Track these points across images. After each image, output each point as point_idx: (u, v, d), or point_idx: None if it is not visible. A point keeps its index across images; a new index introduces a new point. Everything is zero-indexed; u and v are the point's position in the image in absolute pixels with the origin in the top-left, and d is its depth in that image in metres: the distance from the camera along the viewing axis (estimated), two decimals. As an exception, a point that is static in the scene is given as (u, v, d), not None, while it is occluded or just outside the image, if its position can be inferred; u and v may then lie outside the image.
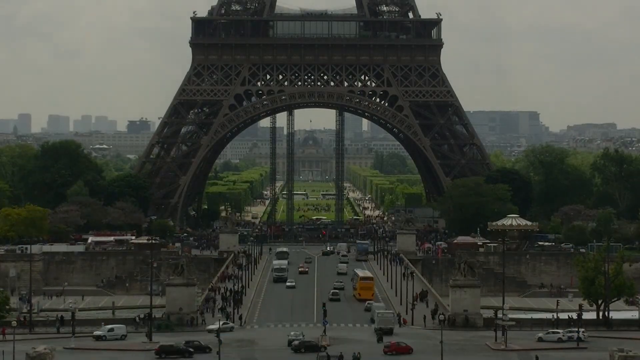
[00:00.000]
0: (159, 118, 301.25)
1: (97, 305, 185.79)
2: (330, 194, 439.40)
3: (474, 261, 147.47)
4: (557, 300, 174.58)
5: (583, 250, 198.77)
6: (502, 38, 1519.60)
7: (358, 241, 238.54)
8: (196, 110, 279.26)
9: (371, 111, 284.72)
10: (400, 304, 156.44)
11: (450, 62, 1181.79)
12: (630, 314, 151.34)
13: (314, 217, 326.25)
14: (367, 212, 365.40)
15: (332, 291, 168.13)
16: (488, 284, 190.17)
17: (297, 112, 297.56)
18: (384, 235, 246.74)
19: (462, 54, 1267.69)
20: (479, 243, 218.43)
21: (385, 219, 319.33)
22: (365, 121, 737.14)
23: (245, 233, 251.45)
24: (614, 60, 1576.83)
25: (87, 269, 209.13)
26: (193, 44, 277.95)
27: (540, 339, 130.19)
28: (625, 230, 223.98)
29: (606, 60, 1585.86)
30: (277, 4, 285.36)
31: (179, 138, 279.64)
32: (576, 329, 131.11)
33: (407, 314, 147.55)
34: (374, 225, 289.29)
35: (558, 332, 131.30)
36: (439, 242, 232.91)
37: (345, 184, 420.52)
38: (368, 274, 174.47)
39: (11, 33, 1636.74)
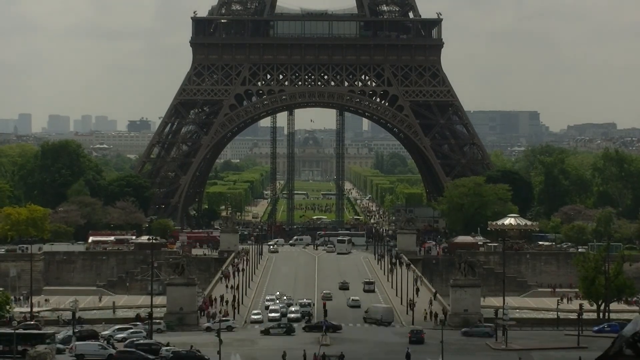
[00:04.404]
0: (159, 118, 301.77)
1: (97, 305, 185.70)
2: (330, 194, 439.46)
3: (474, 261, 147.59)
4: (558, 300, 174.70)
5: (582, 249, 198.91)
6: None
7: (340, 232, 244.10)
8: (196, 110, 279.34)
9: (371, 111, 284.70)
10: (401, 304, 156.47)
11: (450, 62, 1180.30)
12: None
13: (315, 217, 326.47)
14: (372, 209, 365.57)
15: None
16: (488, 283, 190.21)
17: (297, 112, 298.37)
18: (385, 235, 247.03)
19: (462, 54, 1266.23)
20: (479, 243, 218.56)
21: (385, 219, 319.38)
22: (365, 121, 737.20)
23: (246, 233, 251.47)
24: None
25: (87, 269, 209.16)
26: (193, 43, 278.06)
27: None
28: (625, 230, 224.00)
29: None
30: (278, 3, 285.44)
31: (179, 138, 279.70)
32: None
33: (407, 313, 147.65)
34: (375, 225, 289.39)
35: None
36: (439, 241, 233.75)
37: (345, 184, 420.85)
38: None
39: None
